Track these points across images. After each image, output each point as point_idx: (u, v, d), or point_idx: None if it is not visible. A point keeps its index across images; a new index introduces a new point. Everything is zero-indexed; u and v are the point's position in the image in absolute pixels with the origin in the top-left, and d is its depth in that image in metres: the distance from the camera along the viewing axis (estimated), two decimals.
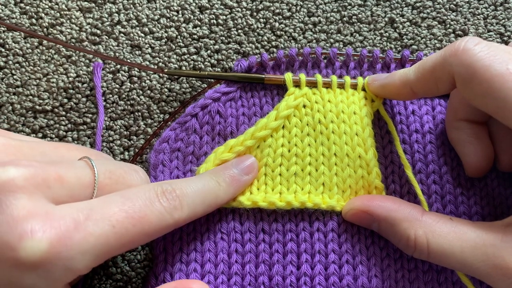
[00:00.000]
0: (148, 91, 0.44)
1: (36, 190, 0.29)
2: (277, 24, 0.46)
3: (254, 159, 0.40)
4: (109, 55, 0.45)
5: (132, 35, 0.45)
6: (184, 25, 0.46)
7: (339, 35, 0.46)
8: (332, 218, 0.40)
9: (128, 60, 0.45)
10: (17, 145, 0.33)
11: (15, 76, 0.44)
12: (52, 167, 0.31)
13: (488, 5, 0.47)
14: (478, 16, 0.47)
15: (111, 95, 0.44)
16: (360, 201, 0.39)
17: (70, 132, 0.43)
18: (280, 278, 0.39)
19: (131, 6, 0.46)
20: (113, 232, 0.30)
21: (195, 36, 0.46)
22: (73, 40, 0.45)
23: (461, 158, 0.41)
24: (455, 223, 0.36)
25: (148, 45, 0.45)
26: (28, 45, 0.45)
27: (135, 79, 0.44)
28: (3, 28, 0.45)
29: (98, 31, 0.45)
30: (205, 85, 0.44)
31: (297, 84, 0.42)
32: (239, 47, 0.45)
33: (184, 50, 0.45)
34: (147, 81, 0.44)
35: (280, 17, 0.46)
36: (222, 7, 0.46)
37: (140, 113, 0.44)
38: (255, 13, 0.46)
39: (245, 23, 0.46)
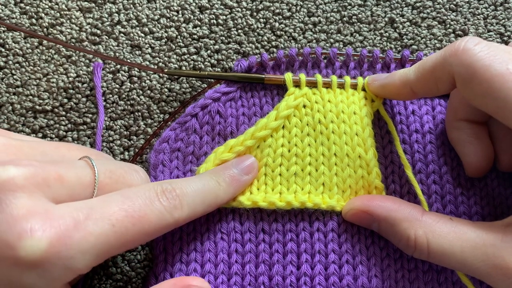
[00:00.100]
0: (148, 91, 0.44)
1: (36, 190, 0.29)
2: (277, 24, 0.46)
3: (254, 159, 0.40)
4: (109, 55, 0.45)
5: (132, 35, 0.45)
6: (184, 25, 0.46)
7: (339, 35, 0.46)
8: (332, 218, 0.40)
9: (128, 60, 0.45)
10: (18, 145, 0.33)
11: (15, 76, 0.44)
12: (53, 166, 0.31)
13: (488, 5, 0.47)
14: (478, 16, 0.47)
15: (111, 95, 0.44)
16: (360, 201, 0.39)
17: (70, 132, 0.43)
18: (280, 278, 0.39)
19: (131, 6, 0.46)
20: (113, 231, 0.30)
21: (195, 36, 0.46)
22: (73, 40, 0.45)
23: (461, 158, 0.41)
24: (455, 223, 0.36)
25: (148, 45, 0.45)
26: (28, 45, 0.45)
27: (135, 79, 0.44)
28: (3, 28, 0.45)
29: (98, 31, 0.45)
30: (205, 85, 0.44)
31: (297, 84, 0.42)
32: (239, 47, 0.45)
33: (184, 50, 0.45)
34: (147, 81, 0.44)
35: (280, 17, 0.46)
36: (222, 7, 0.46)
37: (140, 113, 0.44)
38: (255, 13, 0.46)
39: (245, 23, 0.46)
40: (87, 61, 0.45)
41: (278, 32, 0.46)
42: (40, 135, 0.43)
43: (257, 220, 0.40)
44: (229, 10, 0.46)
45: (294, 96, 0.41)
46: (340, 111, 0.41)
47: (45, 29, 0.45)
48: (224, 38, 0.46)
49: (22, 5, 0.46)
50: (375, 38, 0.46)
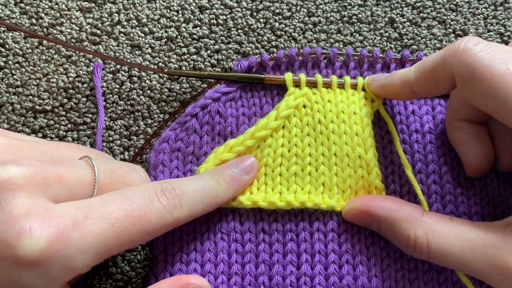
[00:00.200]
0: (148, 91, 0.44)
1: (36, 189, 0.29)
2: (277, 24, 0.46)
3: (254, 159, 0.40)
4: (109, 55, 0.45)
5: (132, 35, 0.45)
6: (184, 25, 0.46)
7: (339, 35, 0.46)
8: (332, 218, 0.40)
9: (128, 60, 0.45)
10: (18, 145, 0.33)
11: (15, 76, 0.44)
12: (53, 166, 0.31)
13: (488, 5, 0.47)
14: (478, 16, 0.47)
15: (111, 95, 0.44)
16: (360, 201, 0.39)
17: (70, 132, 0.43)
18: (280, 278, 0.39)
19: (131, 6, 0.46)
20: (112, 230, 0.30)
21: (195, 36, 0.46)
22: (73, 40, 0.45)
23: (461, 158, 0.41)
24: (455, 223, 0.36)
25: (148, 45, 0.45)
26: (28, 45, 0.45)
27: (135, 79, 0.44)
28: (3, 28, 0.45)
29: (98, 31, 0.45)
30: (205, 85, 0.44)
31: (297, 84, 0.42)
32: (239, 47, 0.45)
33: (184, 50, 0.45)
34: (147, 81, 0.44)
35: (280, 17, 0.46)
36: (222, 7, 0.46)
37: (140, 113, 0.44)
38: (255, 13, 0.46)
39: (245, 23, 0.46)
40: (87, 61, 0.45)
41: (278, 32, 0.46)
42: (40, 135, 0.43)
43: (257, 220, 0.40)
44: (229, 10, 0.46)
45: (294, 96, 0.41)
46: (340, 111, 0.41)
47: (45, 29, 0.45)
48: (224, 38, 0.46)
49: (22, 5, 0.46)
50: (375, 38, 0.46)
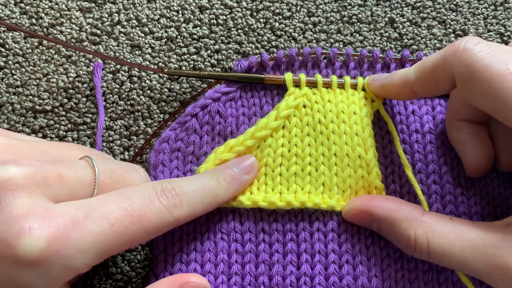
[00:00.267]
0: (148, 91, 0.44)
1: (36, 189, 0.29)
2: (277, 24, 0.46)
3: (254, 159, 0.40)
4: (109, 55, 0.45)
5: (132, 35, 0.45)
6: (184, 25, 0.46)
7: (339, 35, 0.46)
8: (332, 218, 0.40)
9: (128, 60, 0.45)
10: (18, 145, 0.33)
11: (15, 76, 0.44)
12: (53, 166, 0.31)
13: (488, 5, 0.47)
14: (478, 16, 0.47)
15: (111, 95, 0.44)
16: (360, 201, 0.39)
17: (70, 132, 0.43)
18: (280, 278, 0.39)
19: (131, 6, 0.46)
20: (112, 230, 0.30)
21: (195, 36, 0.46)
22: (73, 40, 0.45)
23: (461, 158, 0.41)
24: (455, 223, 0.36)
25: (148, 45, 0.45)
26: (28, 45, 0.45)
27: (135, 79, 0.44)
28: (3, 28, 0.45)
29: (98, 31, 0.45)
30: (205, 85, 0.44)
31: (297, 84, 0.42)
32: (239, 47, 0.45)
33: (184, 50, 0.45)
34: (147, 81, 0.44)
35: (280, 17, 0.46)
36: (222, 7, 0.46)
37: (140, 113, 0.44)
38: (255, 13, 0.46)
39: (245, 23, 0.46)
40: (87, 61, 0.45)
41: (278, 32, 0.46)
42: (40, 135, 0.43)
43: (257, 220, 0.40)
44: (229, 10, 0.46)
45: (294, 96, 0.41)
46: (340, 111, 0.41)
47: (45, 29, 0.45)
48: (224, 38, 0.46)
49: (22, 5, 0.46)
50: (375, 38, 0.46)
